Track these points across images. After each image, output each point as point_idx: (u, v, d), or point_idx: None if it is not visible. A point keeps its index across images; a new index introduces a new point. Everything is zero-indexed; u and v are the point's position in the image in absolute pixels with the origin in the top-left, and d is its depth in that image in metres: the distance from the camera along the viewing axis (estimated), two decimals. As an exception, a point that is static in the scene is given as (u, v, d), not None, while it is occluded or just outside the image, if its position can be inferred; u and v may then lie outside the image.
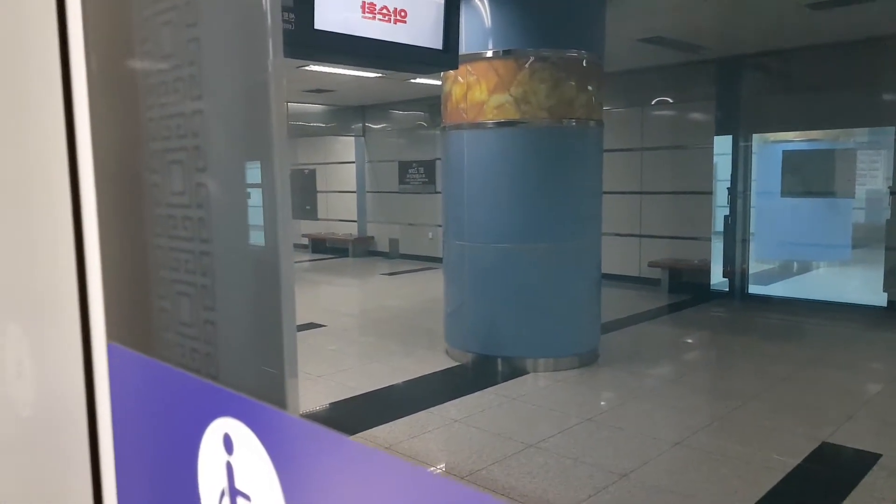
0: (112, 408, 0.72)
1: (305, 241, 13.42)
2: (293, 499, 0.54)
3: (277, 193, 0.60)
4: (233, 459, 0.60)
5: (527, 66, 5.00)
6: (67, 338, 0.74)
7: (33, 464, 0.76)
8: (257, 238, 0.64)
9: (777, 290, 8.54)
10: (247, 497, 0.59)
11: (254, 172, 0.67)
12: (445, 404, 4.43)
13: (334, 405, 4.51)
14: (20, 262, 0.74)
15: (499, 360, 5.24)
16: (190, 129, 0.64)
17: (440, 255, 5.92)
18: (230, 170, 0.65)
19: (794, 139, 8.68)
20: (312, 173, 13.51)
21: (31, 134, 0.74)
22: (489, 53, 5.09)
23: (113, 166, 0.72)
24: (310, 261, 12.24)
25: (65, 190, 0.71)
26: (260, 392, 0.59)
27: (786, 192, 8.54)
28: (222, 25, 0.63)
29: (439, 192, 8.28)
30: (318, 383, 4.94)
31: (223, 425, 0.60)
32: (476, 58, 5.10)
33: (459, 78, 5.22)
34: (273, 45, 0.60)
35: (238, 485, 0.60)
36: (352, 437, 0.49)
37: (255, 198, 0.65)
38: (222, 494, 0.62)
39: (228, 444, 0.60)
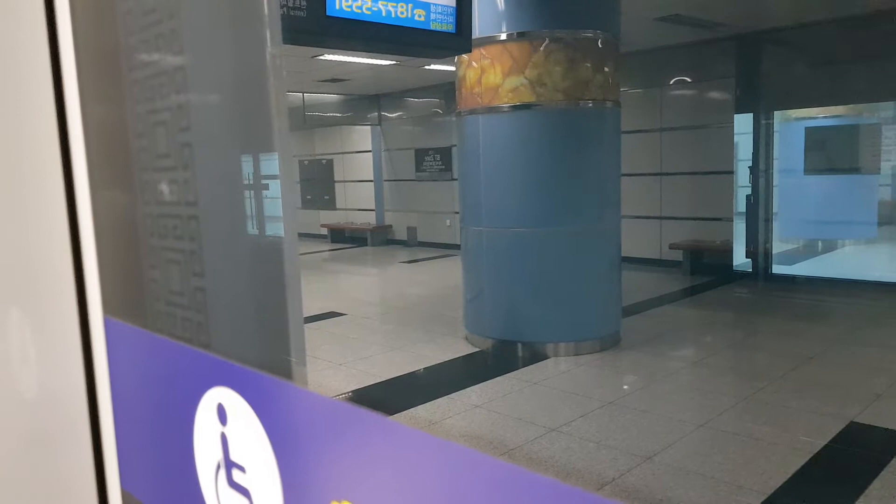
0: (111, 382, 0.72)
1: (324, 230, 13.48)
2: (287, 465, 0.52)
3: (276, 139, 0.57)
4: (227, 430, 0.59)
5: (541, 48, 4.92)
6: (66, 315, 0.74)
7: (36, 444, 0.76)
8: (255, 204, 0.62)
9: (802, 269, 8.39)
10: (241, 469, 0.57)
11: (244, 131, 0.65)
12: (466, 390, 4.42)
13: (356, 392, 4.53)
14: (16, 244, 0.73)
15: (519, 345, 5.22)
16: (173, 88, 0.63)
17: (458, 242, 5.90)
18: (216, 129, 0.63)
19: (817, 115, 8.48)
20: (330, 163, 13.54)
21: (20, 109, 0.73)
22: (503, 36, 5.02)
23: (103, 135, 0.71)
24: (329, 250, 12.29)
25: (56, 165, 0.70)
26: (262, 363, 0.57)
27: (809, 169, 8.36)
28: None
29: (456, 179, 8.23)
30: (340, 371, 4.96)
31: (217, 395, 0.59)
32: (490, 41, 5.04)
33: (473, 62, 5.16)
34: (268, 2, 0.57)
35: (233, 456, 0.58)
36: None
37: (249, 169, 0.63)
38: (218, 467, 0.61)
39: (222, 414, 0.59)
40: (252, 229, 0.61)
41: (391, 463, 0.45)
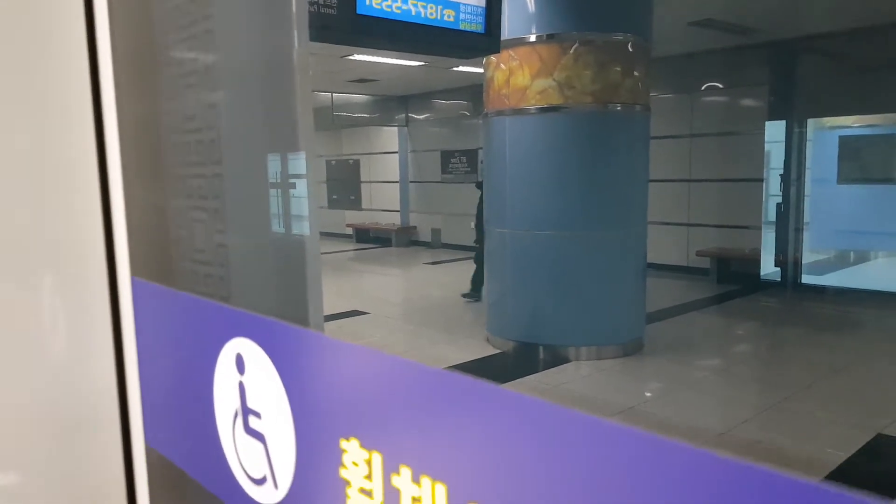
0: (137, 340, 0.75)
1: (349, 230, 13.58)
2: (299, 407, 0.54)
3: (296, 105, 0.59)
4: (245, 379, 0.61)
5: (571, 50, 4.91)
6: (95, 277, 0.77)
7: (65, 402, 0.79)
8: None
9: (832, 280, 8.21)
10: (257, 415, 0.60)
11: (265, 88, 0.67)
12: (485, 390, 4.42)
13: (375, 389, 4.55)
14: (49, 210, 0.77)
15: (540, 348, 5.19)
16: (202, 48, 0.65)
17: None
18: (242, 86, 0.65)
19: (852, 124, 8.30)
20: (357, 163, 13.65)
21: (58, 82, 0.76)
22: (532, 38, 5.02)
23: (135, 100, 0.74)
24: (354, 250, 12.38)
25: (89, 134, 0.73)
26: (279, 311, 0.59)
27: (843, 178, 8.18)
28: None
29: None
30: (359, 368, 4.99)
31: (235, 346, 0.61)
32: (519, 42, 5.04)
33: (501, 63, 5.17)
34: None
35: (250, 403, 0.61)
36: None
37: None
38: (235, 415, 0.63)
39: (241, 364, 0.61)
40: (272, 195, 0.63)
41: (397, 399, 0.47)
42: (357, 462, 0.50)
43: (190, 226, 0.73)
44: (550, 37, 4.96)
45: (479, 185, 7.16)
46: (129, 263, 0.74)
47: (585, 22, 4.94)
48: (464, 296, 7.29)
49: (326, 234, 13.99)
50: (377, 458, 0.49)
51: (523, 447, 0.39)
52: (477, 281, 7.22)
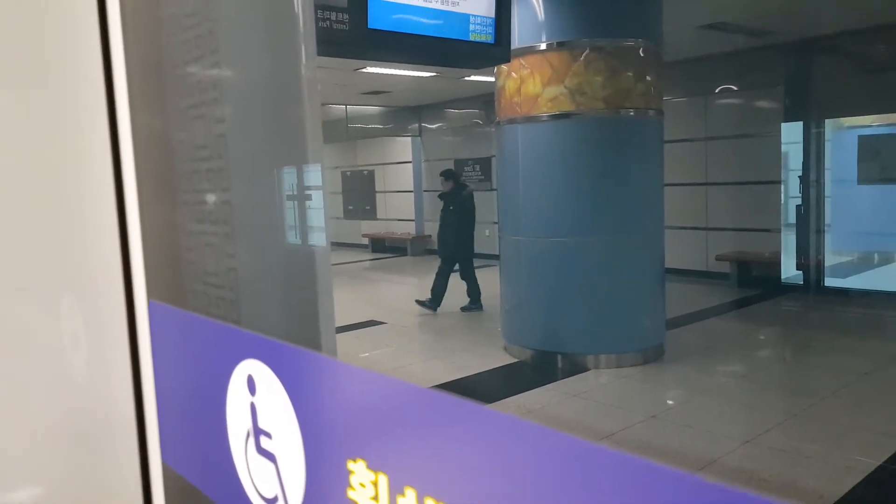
0: (154, 362, 0.76)
1: (365, 240, 13.66)
2: (308, 429, 0.55)
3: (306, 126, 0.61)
4: (256, 400, 0.62)
5: (581, 57, 4.91)
6: (114, 301, 0.79)
7: (85, 422, 0.81)
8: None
9: (856, 282, 8.07)
10: (268, 435, 0.61)
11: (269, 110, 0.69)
12: (505, 401, 4.40)
13: (394, 400, 4.55)
14: (70, 236, 0.79)
15: (559, 357, 5.17)
16: (209, 83, 0.67)
17: (497, 252, 5.91)
18: (251, 106, 0.67)
19: (871, 123, 8.18)
20: (371, 174, 13.74)
21: (77, 111, 0.79)
22: (543, 46, 5.03)
23: (149, 131, 0.76)
24: (370, 260, 12.44)
25: (107, 163, 0.75)
26: (289, 334, 0.60)
27: (863, 179, 8.05)
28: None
29: (496, 190, 8.24)
30: (377, 379, 5.00)
31: (247, 367, 0.62)
32: (529, 51, 5.06)
33: (513, 72, 5.18)
34: None
35: (261, 424, 0.62)
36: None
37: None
38: (248, 435, 0.64)
39: (252, 385, 0.63)
40: (282, 213, 0.65)
41: (402, 422, 0.47)
42: (364, 483, 0.50)
43: (202, 250, 0.75)
44: (561, 44, 4.97)
45: (442, 196, 7.21)
46: (146, 287, 0.76)
47: (595, 29, 4.95)
48: (418, 302, 7.35)
49: (343, 245, 14.07)
50: (383, 479, 0.49)
51: (526, 473, 0.40)
52: (437, 291, 7.27)
